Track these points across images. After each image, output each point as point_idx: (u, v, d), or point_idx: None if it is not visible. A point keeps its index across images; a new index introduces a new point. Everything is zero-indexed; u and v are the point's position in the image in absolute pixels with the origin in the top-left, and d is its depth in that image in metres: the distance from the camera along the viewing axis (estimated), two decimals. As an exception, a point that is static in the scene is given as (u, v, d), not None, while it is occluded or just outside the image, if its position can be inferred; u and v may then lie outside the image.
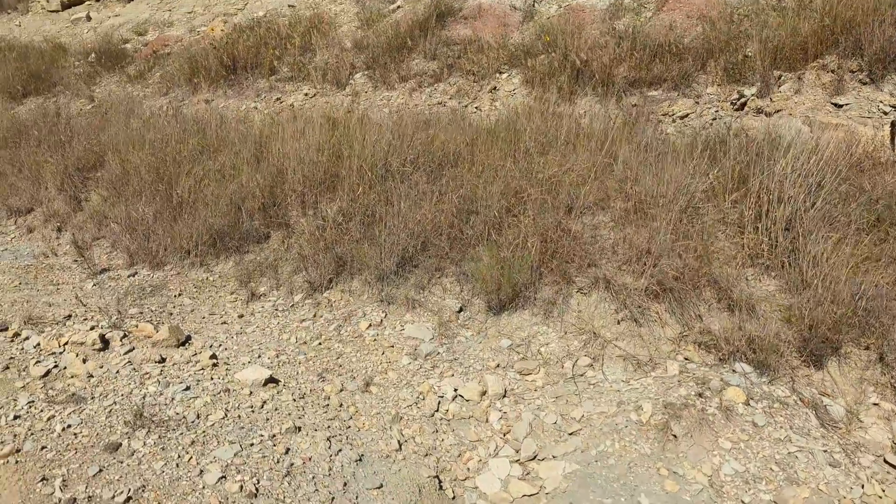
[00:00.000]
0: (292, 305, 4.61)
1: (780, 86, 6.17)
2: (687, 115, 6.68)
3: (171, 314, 4.34)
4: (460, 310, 4.35)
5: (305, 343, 3.98)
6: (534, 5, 9.44)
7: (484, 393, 3.44)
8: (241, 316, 4.44)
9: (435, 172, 5.52)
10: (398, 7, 10.75)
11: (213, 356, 3.67)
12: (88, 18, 16.30)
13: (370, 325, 4.16)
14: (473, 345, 3.95)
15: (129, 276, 5.00)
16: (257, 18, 12.19)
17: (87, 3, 17.21)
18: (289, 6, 12.82)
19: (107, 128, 8.26)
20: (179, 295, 4.67)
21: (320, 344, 3.96)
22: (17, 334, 3.85)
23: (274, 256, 5.18)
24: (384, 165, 5.64)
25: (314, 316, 4.37)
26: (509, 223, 4.70)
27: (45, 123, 9.25)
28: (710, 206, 4.53)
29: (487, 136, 6.12)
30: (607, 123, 6.48)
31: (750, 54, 6.58)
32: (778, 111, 5.95)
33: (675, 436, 3.24)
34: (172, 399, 3.22)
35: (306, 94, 9.11)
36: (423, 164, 5.67)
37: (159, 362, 3.65)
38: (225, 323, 4.29)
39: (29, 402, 3.16)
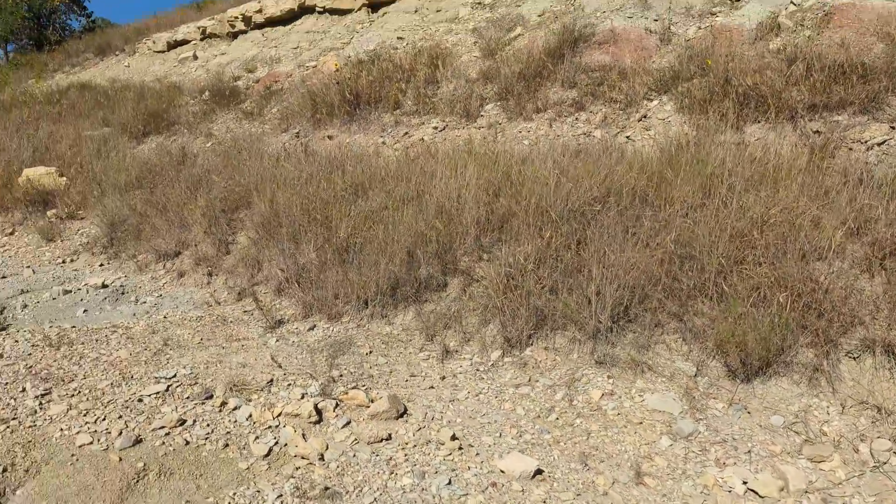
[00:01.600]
0: (493, 365, 4.16)
1: None
2: (884, 142, 6.00)
3: (372, 377, 3.94)
4: (695, 374, 3.80)
5: (539, 417, 3.50)
6: (669, 28, 8.91)
7: (783, 488, 2.87)
8: (443, 378, 4.01)
9: (625, 212, 5.02)
10: (518, 35, 10.40)
11: (454, 436, 3.22)
12: (195, 57, 16.60)
13: (602, 394, 3.66)
14: (735, 421, 3.40)
15: (308, 330, 4.65)
16: (369, 52, 12.05)
17: (193, 42, 17.56)
18: (397, 38, 12.66)
19: (239, 166, 8.10)
20: (370, 353, 4.28)
21: (558, 419, 3.48)
22: (224, 403, 3.50)
23: (456, 307, 4.76)
24: (565, 204, 5.17)
25: (528, 380, 3.90)
26: (738, 272, 4.15)
27: (171, 163, 9.21)
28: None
29: (664, 168, 5.60)
30: (792, 152, 5.88)
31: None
32: None
33: None
34: (438, 496, 2.77)
35: (435, 128, 8.79)
36: (609, 201, 5.18)
37: (387, 440, 3.24)
38: (432, 388, 3.86)
39: (278, 497, 2.77)
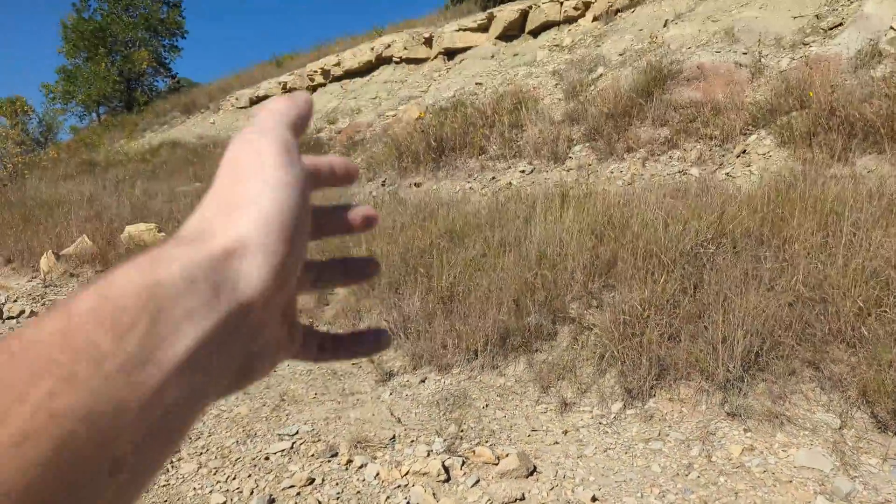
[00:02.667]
0: (615, 418, 3.99)
1: None
2: None
3: (493, 432, 3.84)
4: (840, 427, 3.55)
5: (678, 475, 3.32)
6: (760, 60, 8.68)
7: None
8: (565, 432, 3.87)
9: (742, 253, 4.81)
10: (600, 75, 10.34)
11: (594, 497, 3.08)
12: (277, 111, 17.17)
13: (742, 449, 3.44)
14: (894, 478, 3.13)
15: (420, 383, 4.59)
16: (448, 99, 12.19)
17: (273, 97, 18.20)
18: (476, 84, 12.78)
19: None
20: (487, 406, 4.18)
21: (699, 477, 3.28)
22: (350, 461, 3.46)
23: (569, 356, 4.62)
24: (675, 247, 5.00)
25: (658, 434, 3.72)
26: (877, 315, 3.89)
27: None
28: None
29: (776, 205, 5.36)
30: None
31: None
32: None
33: None
34: (594, 566, 2.64)
35: (523, 171, 8.76)
36: (724, 242, 4.99)
37: (521, 500, 3.12)
38: (556, 443, 3.72)
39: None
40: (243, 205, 0.36)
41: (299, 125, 0.44)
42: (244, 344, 0.36)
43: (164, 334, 0.30)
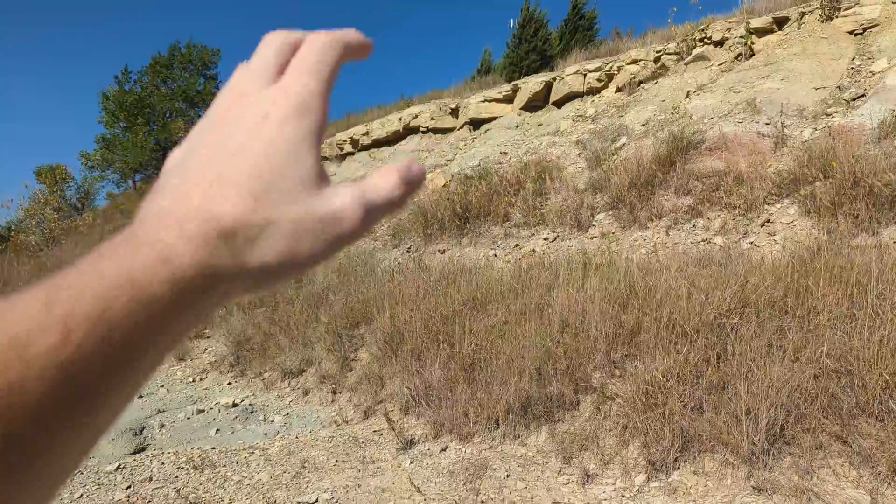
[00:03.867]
0: (638, 491, 3.92)
1: None
2: None
3: (514, 503, 3.79)
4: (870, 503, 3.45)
5: (703, 551, 3.25)
6: (783, 131, 8.76)
7: None
8: (588, 505, 3.81)
9: (766, 324, 4.78)
10: (623, 145, 10.49)
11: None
12: (307, 179, 17.57)
13: (771, 524, 3.37)
14: (929, 558, 3.03)
15: (440, 451, 4.57)
16: (474, 167, 12.41)
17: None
18: (501, 153, 13.01)
19: (356, 283, 8.33)
20: (508, 476, 4.14)
21: (725, 553, 3.21)
22: (369, 533, 3.44)
23: (591, 426, 4.57)
24: (699, 316, 4.98)
25: (683, 509, 3.65)
26: (906, 388, 3.82)
27: (290, 282, 9.56)
28: None
29: (801, 275, 5.33)
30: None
31: None
32: None
33: None
34: None
35: (546, 239, 8.82)
36: (747, 312, 4.96)
37: (540, 575, 3.06)
38: (579, 516, 3.67)
39: None
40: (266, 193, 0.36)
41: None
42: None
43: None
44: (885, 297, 4.65)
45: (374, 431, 5.05)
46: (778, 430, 3.91)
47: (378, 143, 17.27)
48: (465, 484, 4.02)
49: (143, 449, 5.42)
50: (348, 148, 17.89)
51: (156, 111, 29.09)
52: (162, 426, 5.89)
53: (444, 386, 5.24)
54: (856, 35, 10.29)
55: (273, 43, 0.42)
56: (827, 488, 3.61)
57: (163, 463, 4.55)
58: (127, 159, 27.21)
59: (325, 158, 18.40)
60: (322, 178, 0.39)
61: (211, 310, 0.36)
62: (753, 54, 11.31)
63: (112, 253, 0.33)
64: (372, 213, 0.39)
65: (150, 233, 0.34)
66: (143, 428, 5.81)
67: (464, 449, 4.59)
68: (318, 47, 0.41)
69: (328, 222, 0.37)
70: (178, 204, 0.36)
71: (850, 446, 3.77)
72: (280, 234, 0.36)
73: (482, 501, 3.79)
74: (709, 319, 4.97)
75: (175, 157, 0.42)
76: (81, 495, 4.04)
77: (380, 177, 0.41)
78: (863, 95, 8.78)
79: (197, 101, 29.98)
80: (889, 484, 3.57)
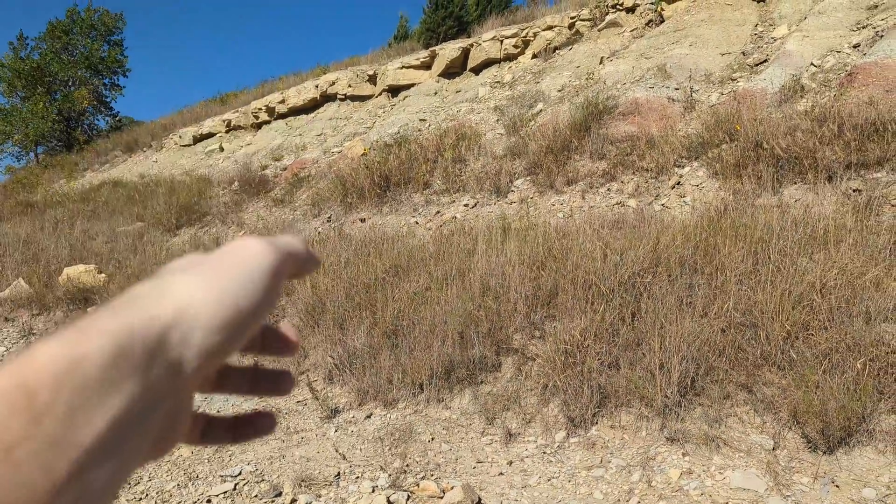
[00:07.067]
0: (559, 447, 4.04)
1: None
2: (928, 197, 5.96)
3: (439, 465, 3.84)
4: (773, 448, 3.67)
5: (620, 501, 3.37)
6: (692, 95, 9.05)
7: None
8: (510, 463, 3.90)
9: (676, 281, 4.97)
10: (540, 111, 10.60)
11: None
12: (221, 149, 17.05)
13: (681, 473, 3.53)
14: (825, 496, 3.25)
15: (365, 419, 4.57)
16: (393, 135, 12.30)
17: (219, 134, 18.07)
18: (420, 120, 12.94)
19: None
20: (432, 440, 4.18)
21: (640, 502, 3.34)
22: (294, 500, 3.41)
23: (513, 387, 4.67)
24: (614, 276, 5.13)
25: (600, 462, 3.78)
26: (804, 338, 4.06)
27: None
28: None
29: (708, 234, 5.56)
30: (836, 212, 5.85)
31: None
32: None
33: None
34: None
35: (466, 205, 8.87)
36: (659, 271, 5.14)
37: (466, 533, 3.12)
38: (501, 474, 3.75)
39: None
40: (208, 276, 0.36)
41: (299, 268, 0.44)
42: (168, 411, 0.34)
43: (85, 410, 0.28)
44: (786, 253, 4.90)
45: (298, 402, 5.01)
46: (689, 383, 4.09)
47: (295, 111, 16.87)
48: (390, 449, 4.04)
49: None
50: (264, 116, 17.40)
51: (57, 79, 27.43)
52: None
53: (367, 353, 5.23)
54: (759, 2, 10.68)
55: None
56: (733, 435, 3.81)
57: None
58: (27, 131, 25.62)
59: (241, 127, 17.85)
60: None
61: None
62: (664, 20, 11.58)
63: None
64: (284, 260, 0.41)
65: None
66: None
67: (388, 415, 4.61)
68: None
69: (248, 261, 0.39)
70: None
71: (755, 395, 3.99)
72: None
73: (407, 465, 3.82)
74: (623, 279, 5.12)
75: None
76: None
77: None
78: (765, 61, 9.14)
79: (101, 69, 28.43)
80: (790, 428, 3.80)
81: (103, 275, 9.38)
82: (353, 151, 11.98)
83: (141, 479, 3.78)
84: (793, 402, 3.78)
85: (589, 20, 12.84)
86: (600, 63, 11.31)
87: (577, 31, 12.93)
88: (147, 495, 3.59)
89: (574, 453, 3.95)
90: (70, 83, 27.95)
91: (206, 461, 4.00)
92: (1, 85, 27.06)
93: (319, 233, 9.31)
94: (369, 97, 15.51)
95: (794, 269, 4.60)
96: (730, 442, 3.76)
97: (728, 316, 4.36)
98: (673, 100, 9.13)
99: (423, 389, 4.79)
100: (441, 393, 4.76)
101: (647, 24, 11.87)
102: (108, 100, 29.49)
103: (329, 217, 10.03)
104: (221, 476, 3.75)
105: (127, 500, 3.53)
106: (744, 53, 9.62)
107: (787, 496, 3.28)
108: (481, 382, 4.82)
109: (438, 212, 9.04)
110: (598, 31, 12.39)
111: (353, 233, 8.75)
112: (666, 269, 5.15)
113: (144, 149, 20.40)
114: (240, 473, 3.76)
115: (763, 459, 3.58)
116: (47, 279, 9.31)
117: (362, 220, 9.51)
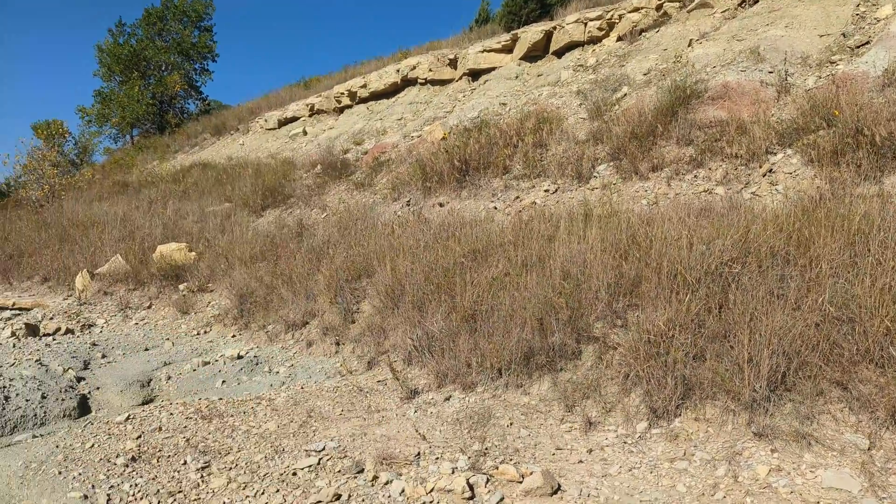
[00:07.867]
0: (640, 437, 3.99)
1: None
2: None
3: (518, 450, 3.86)
4: (869, 448, 3.51)
5: (704, 495, 3.31)
6: (786, 79, 8.65)
7: None
8: (590, 451, 3.87)
9: (767, 272, 4.79)
10: (624, 95, 10.37)
11: (620, 516, 3.09)
12: (305, 133, 17.44)
13: (770, 469, 3.42)
14: (925, 499, 3.09)
15: (444, 401, 4.63)
16: (473, 119, 12.29)
17: (302, 118, 18.48)
18: (500, 104, 12.86)
19: (356, 236, 8.32)
20: (511, 424, 4.20)
21: (725, 497, 3.27)
22: (375, 477, 3.50)
23: (593, 375, 4.62)
24: (700, 266, 4.99)
25: (683, 454, 3.71)
26: (907, 334, 3.85)
27: (290, 235, 9.55)
28: None
29: (803, 224, 5.32)
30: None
31: None
32: None
33: None
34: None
35: (547, 191, 8.78)
36: (749, 261, 4.97)
37: (546, 518, 3.13)
38: (581, 462, 3.73)
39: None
40: None
41: None
42: None
43: None
44: (888, 245, 4.65)
45: (379, 381, 5.11)
46: (779, 378, 3.95)
47: (376, 96, 17.07)
48: (469, 432, 4.08)
49: (151, 400, 5.49)
50: (346, 101, 17.68)
51: (151, 65, 28.64)
52: (169, 378, 5.95)
53: (446, 336, 5.28)
54: (862, -20, 10.07)
55: None
56: (826, 433, 3.66)
57: (171, 413, 4.61)
58: (124, 114, 26.89)
59: (323, 111, 18.20)
60: None
61: None
62: (757, 1, 11.09)
63: None
64: None
65: None
66: (150, 380, 5.87)
67: (467, 398, 4.65)
68: None
69: None
70: None
71: (850, 392, 3.82)
72: None
73: (486, 449, 3.85)
74: (710, 269, 4.97)
75: None
76: (93, 445, 4.10)
77: None
78: (867, 43, 8.64)
79: (192, 54, 29.50)
80: (887, 428, 3.62)
81: (193, 253, 9.79)
82: (432, 136, 12.04)
83: (231, 449, 3.95)
84: (891, 400, 3.61)
85: (678, 1, 12.44)
86: (689, 45, 10.94)
87: (665, 13, 12.54)
88: (237, 465, 3.75)
89: (656, 444, 3.89)
90: (163, 68, 29.10)
91: (291, 435, 4.14)
92: (101, 70, 28.45)
93: (399, 216, 9.42)
94: (449, 81, 15.53)
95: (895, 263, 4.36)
96: (822, 440, 3.62)
97: (822, 309, 4.18)
98: (766, 84, 8.76)
99: (501, 374, 4.80)
100: (520, 378, 4.76)
101: (739, 4, 11.40)
102: (198, 84, 30.59)
103: (408, 201, 10.13)
104: (306, 451, 3.88)
105: (218, 469, 3.70)
106: (844, 35, 9.11)
107: (883, 498, 3.14)
108: (561, 370, 4.80)
109: (518, 197, 8.99)
110: (688, 12, 11.98)
111: (432, 217, 8.81)
112: (756, 259, 4.97)
113: (232, 132, 21.09)
114: (323, 449, 3.88)
115: (857, 459, 3.43)
116: (142, 256, 9.79)
117: (441, 205, 9.56)
